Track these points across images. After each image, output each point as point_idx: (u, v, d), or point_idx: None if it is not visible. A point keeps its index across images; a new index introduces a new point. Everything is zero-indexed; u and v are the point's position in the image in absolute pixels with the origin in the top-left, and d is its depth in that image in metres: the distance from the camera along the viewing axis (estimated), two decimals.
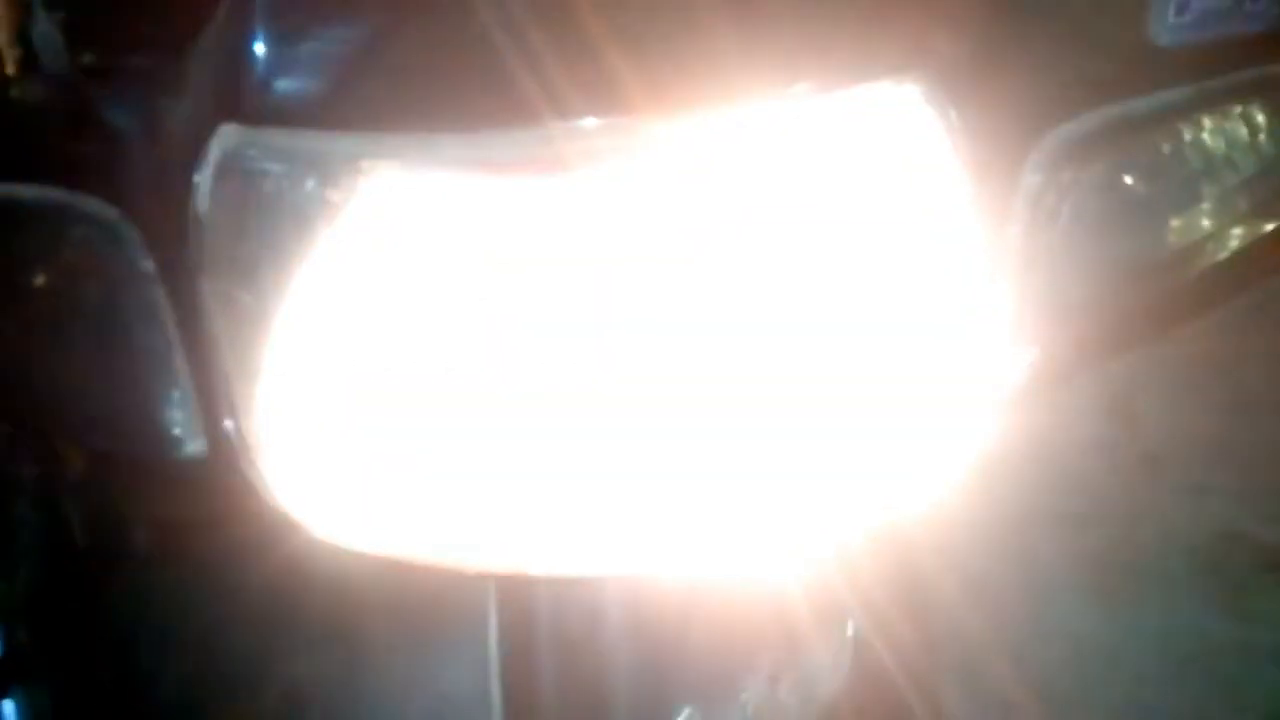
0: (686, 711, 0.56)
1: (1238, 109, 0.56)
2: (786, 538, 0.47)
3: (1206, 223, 0.56)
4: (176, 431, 0.47)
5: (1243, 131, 0.56)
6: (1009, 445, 0.50)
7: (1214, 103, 0.56)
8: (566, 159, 0.42)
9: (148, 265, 0.47)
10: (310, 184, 0.41)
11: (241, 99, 0.43)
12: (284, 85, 0.42)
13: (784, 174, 0.44)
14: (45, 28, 0.51)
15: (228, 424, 0.45)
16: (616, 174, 0.42)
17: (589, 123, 0.41)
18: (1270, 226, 0.56)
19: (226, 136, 0.43)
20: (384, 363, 0.43)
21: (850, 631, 0.64)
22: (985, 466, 0.50)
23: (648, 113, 0.42)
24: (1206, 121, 0.55)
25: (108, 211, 0.48)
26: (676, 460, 0.44)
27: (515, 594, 0.49)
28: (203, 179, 0.43)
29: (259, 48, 0.43)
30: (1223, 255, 0.55)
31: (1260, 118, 0.56)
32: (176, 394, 0.47)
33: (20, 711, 0.58)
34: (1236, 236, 0.56)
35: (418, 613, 0.49)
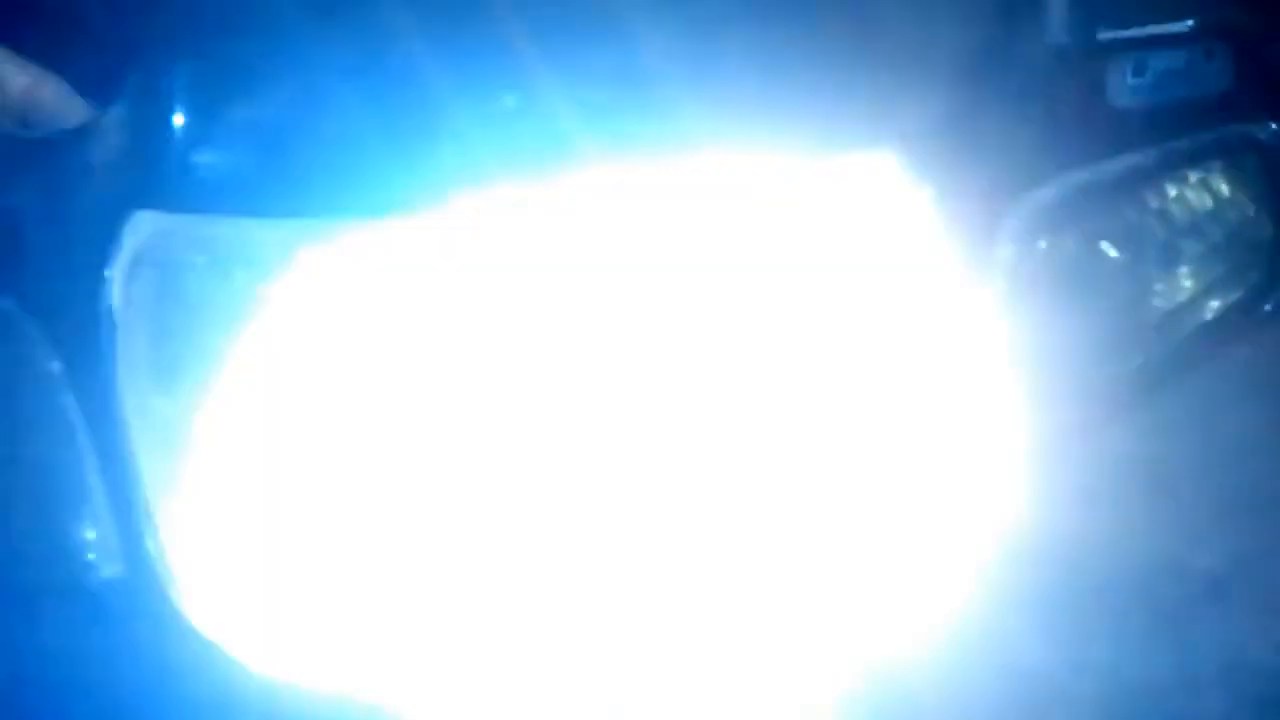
0: None
1: (1201, 172, 0.55)
2: (777, 686, 0.43)
3: (1177, 291, 0.55)
4: (90, 553, 0.42)
5: (1208, 196, 0.55)
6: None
7: (1177, 165, 0.54)
8: (520, 239, 0.38)
9: (54, 366, 0.42)
10: (238, 277, 0.37)
11: (157, 182, 0.39)
12: (206, 167, 0.38)
13: (755, 248, 0.41)
14: None
15: (148, 544, 0.40)
16: (573, 257, 0.39)
17: (539, 203, 0.38)
18: (1241, 292, 0.55)
19: (141, 225, 0.39)
20: (320, 478, 0.39)
21: None
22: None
23: (606, 190, 0.39)
24: (1172, 186, 0.54)
25: (5, 305, 0.43)
26: (644, 598, 0.41)
27: None
28: (114, 272, 0.39)
29: (176, 123, 0.39)
30: (1196, 323, 0.54)
31: (1223, 182, 0.56)
32: (89, 511, 0.42)
33: None
34: (1212, 305, 0.55)
35: None
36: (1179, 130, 0.55)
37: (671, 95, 0.39)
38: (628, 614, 0.42)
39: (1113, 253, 0.53)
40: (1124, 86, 0.53)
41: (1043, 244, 0.50)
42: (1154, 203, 0.55)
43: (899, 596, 0.47)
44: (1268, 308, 0.57)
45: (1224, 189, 0.56)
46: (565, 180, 0.39)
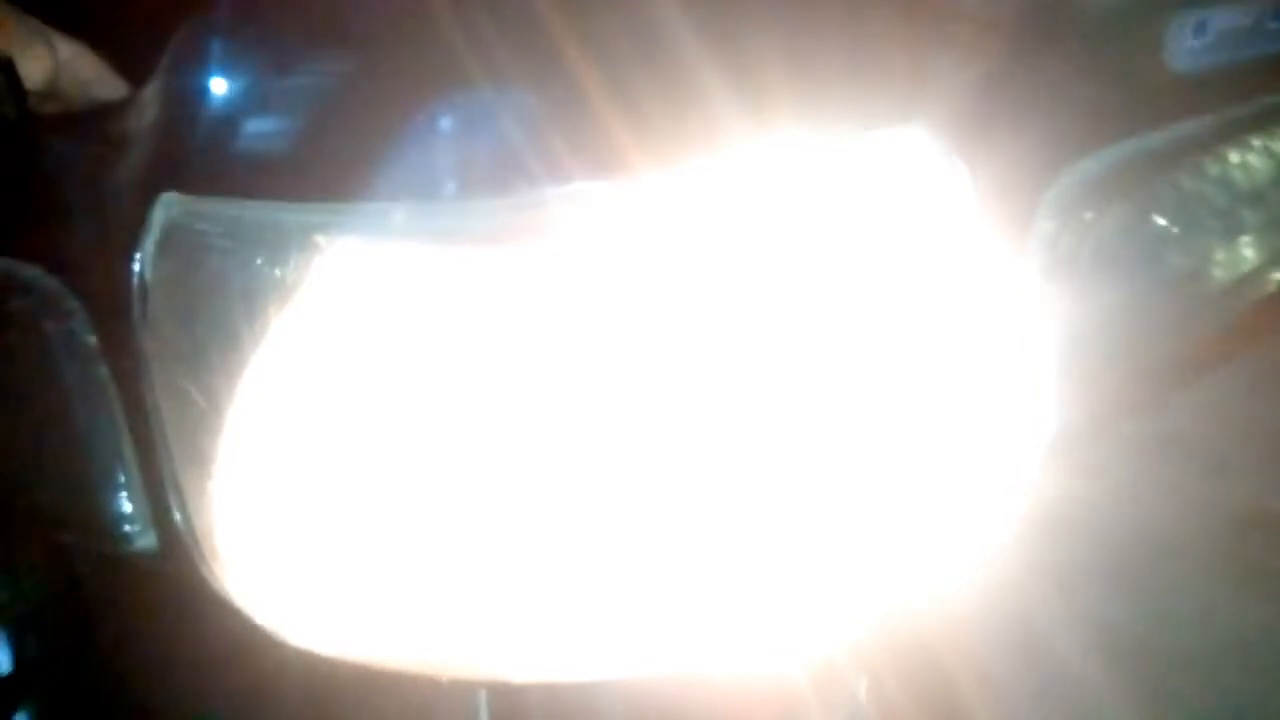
0: None
1: (1265, 138, 0.53)
2: (795, 635, 0.43)
3: (1238, 263, 0.52)
4: (127, 523, 0.43)
5: (1273, 163, 0.53)
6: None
7: (1239, 132, 0.52)
8: (549, 226, 0.38)
9: (91, 341, 0.43)
10: (259, 261, 0.37)
11: (184, 165, 0.39)
12: (230, 150, 0.39)
13: (784, 230, 0.41)
14: None
15: (177, 519, 0.41)
16: (605, 241, 0.39)
17: (572, 187, 0.38)
18: None
19: (169, 206, 0.39)
20: (346, 455, 0.39)
21: (862, 695, 0.60)
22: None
23: (631, 174, 0.38)
24: (1234, 153, 0.52)
25: (48, 281, 0.44)
26: (671, 557, 0.41)
27: (508, 700, 0.45)
28: (145, 252, 0.39)
29: (203, 109, 0.39)
30: (1258, 296, 0.52)
31: None
32: (125, 482, 0.43)
33: None
34: (1274, 278, 0.52)
35: (402, 717, 0.45)
36: (1243, 94, 0.53)
37: (694, 72, 0.38)
38: (653, 586, 0.42)
39: (1168, 224, 0.51)
40: (1183, 49, 0.50)
41: (1089, 216, 0.48)
42: (1214, 170, 0.53)
43: (938, 573, 0.46)
44: None
45: None
46: (596, 166, 0.38)
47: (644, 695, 0.47)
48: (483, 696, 0.45)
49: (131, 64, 0.50)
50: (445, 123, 0.36)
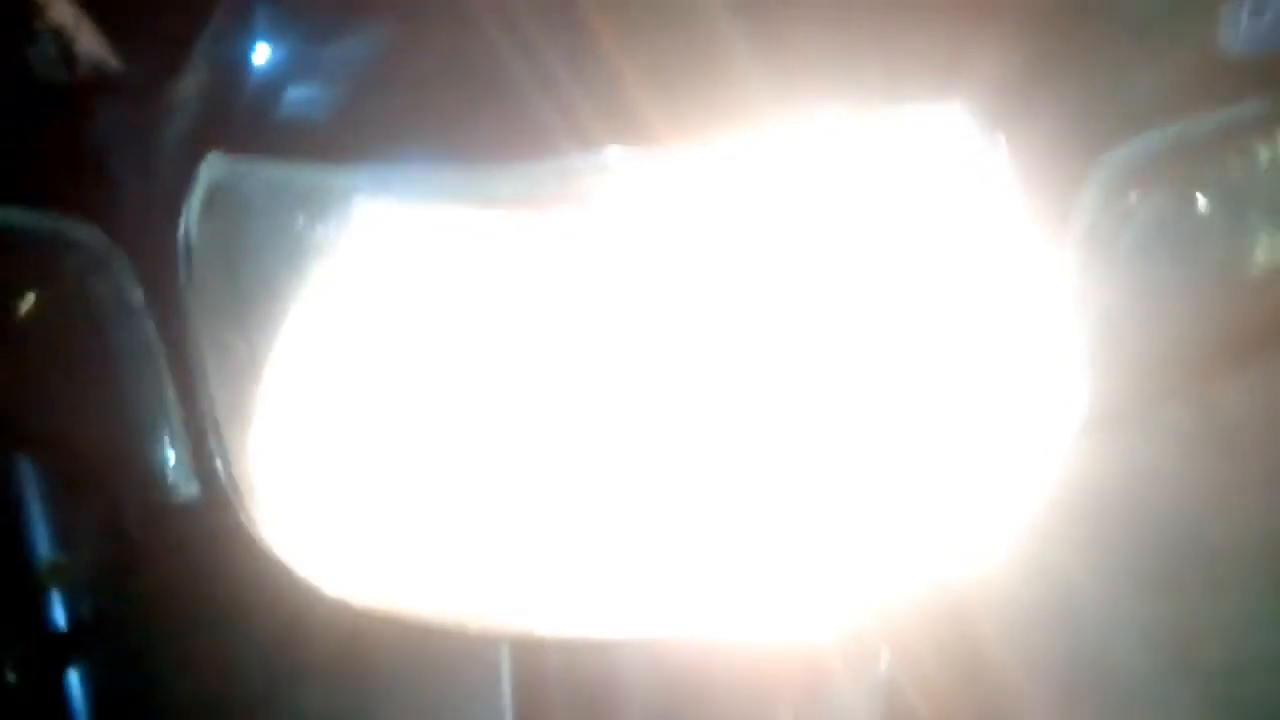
0: None
1: None
2: (822, 601, 0.44)
3: None
4: (169, 473, 0.45)
5: None
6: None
7: None
8: (583, 193, 0.38)
9: (138, 297, 0.44)
10: (300, 220, 0.38)
11: (230, 125, 0.40)
12: (276, 111, 0.39)
13: (817, 206, 0.41)
14: (36, 39, 0.49)
15: (218, 467, 0.42)
16: (638, 209, 0.39)
17: (605, 154, 0.38)
18: None
19: (215, 166, 0.40)
20: (384, 411, 0.40)
21: (884, 666, 0.61)
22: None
23: (667, 143, 0.38)
24: None
25: (98, 239, 0.45)
26: (699, 517, 0.41)
27: (529, 654, 0.46)
28: (190, 211, 0.40)
29: (248, 71, 0.40)
30: None
31: None
32: (168, 432, 0.45)
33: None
34: None
35: (427, 672, 0.46)
36: None
37: (729, 43, 0.39)
38: (680, 547, 0.42)
39: (1213, 208, 0.51)
40: (1241, 28, 0.50)
41: (1133, 199, 0.47)
42: (1265, 154, 0.52)
43: (965, 547, 0.46)
44: None
45: None
46: (629, 134, 0.38)
47: (665, 657, 0.48)
48: (504, 651, 0.46)
49: (133, 36, 0.50)
50: (485, 86, 0.37)
